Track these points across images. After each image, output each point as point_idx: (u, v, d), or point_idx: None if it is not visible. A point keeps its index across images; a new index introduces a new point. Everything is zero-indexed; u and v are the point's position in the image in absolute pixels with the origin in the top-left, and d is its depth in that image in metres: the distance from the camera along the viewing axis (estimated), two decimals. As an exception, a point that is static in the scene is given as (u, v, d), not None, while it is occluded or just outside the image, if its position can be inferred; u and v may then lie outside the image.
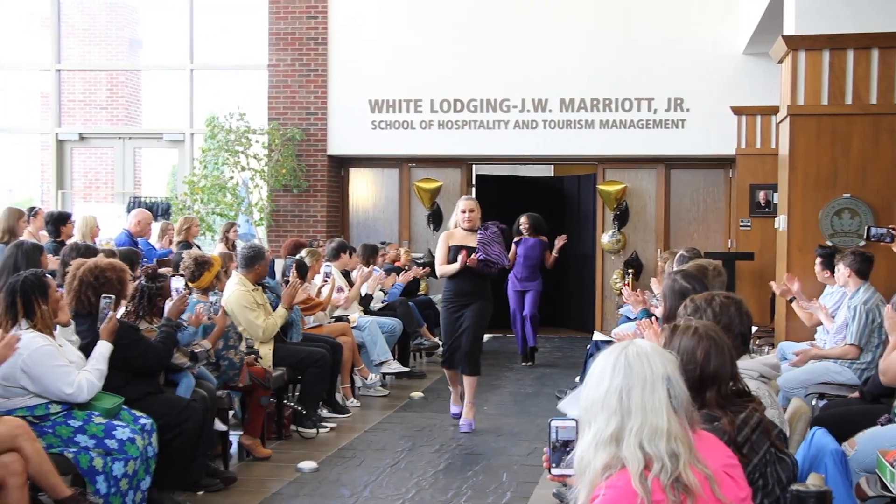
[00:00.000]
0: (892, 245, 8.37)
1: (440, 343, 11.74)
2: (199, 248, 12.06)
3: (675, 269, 6.31)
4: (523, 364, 13.70)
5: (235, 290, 8.97)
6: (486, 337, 12.30)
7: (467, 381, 9.29)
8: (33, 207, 12.45)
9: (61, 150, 17.85)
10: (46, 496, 5.49)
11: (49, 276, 6.33)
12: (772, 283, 9.53)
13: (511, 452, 8.63)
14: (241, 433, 8.25)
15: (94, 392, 5.99)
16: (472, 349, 9.18)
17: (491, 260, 8.91)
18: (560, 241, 13.32)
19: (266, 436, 8.66)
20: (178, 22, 17.67)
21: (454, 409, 9.51)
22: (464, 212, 9.22)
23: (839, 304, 8.48)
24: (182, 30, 17.53)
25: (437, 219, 16.13)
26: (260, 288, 9.22)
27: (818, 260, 9.18)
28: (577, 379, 9.91)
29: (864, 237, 8.78)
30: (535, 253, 13.30)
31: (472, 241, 9.25)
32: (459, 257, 9.00)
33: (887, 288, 8.37)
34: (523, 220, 13.46)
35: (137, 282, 7.25)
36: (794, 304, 8.99)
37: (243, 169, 15.97)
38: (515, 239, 13.34)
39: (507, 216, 17.15)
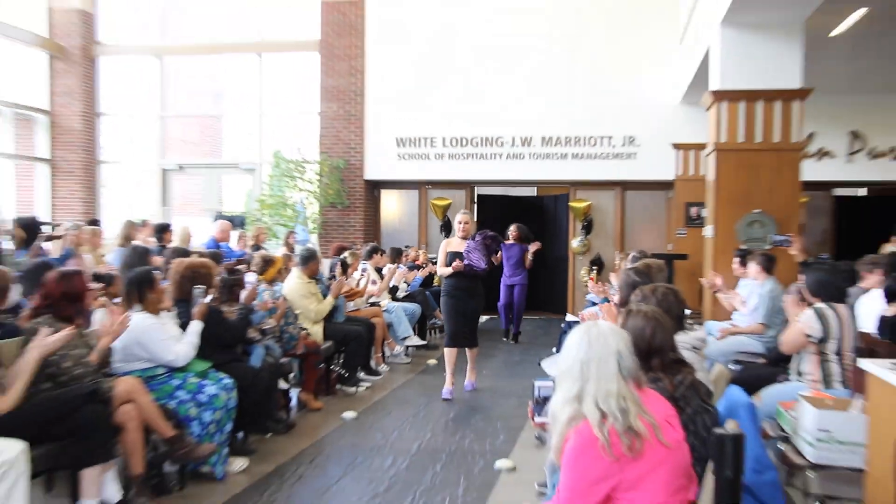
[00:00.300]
0: (789, 249, 8.55)
1: None
2: (266, 250, 12.10)
3: (628, 266, 6.33)
4: (504, 340, 13.62)
5: (295, 282, 9.04)
6: (483, 318, 12.09)
7: (470, 353, 9.38)
8: (144, 220, 12.54)
9: (164, 177, 17.88)
10: (156, 436, 5.52)
11: (155, 272, 6.39)
12: (702, 279, 9.62)
13: (504, 406, 8.66)
14: (299, 390, 8.33)
15: (188, 359, 6.07)
16: (472, 330, 9.23)
17: (472, 265, 8.82)
18: (533, 247, 13.21)
19: (318, 393, 8.73)
20: (251, 79, 17.68)
21: (446, 393, 8.98)
22: (459, 223, 9.17)
23: (751, 293, 8.52)
24: (254, 85, 17.59)
25: (447, 228, 16.07)
26: (314, 281, 9.27)
27: (736, 259, 9.31)
28: (554, 350, 9.90)
29: (769, 243, 8.97)
30: (517, 255, 13.20)
31: (462, 246, 9.16)
32: (454, 263, 8.92)
33: (786, 280, 8.50)
34: (512, 228, 13.42)
35: (220, 276, 7.30)
36: (718, 294, 9.06)
37: (300, 190, 15.99)
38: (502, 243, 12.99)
39: (501, 226, 17.29)
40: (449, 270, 8.97)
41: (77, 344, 5.11)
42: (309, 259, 9.29)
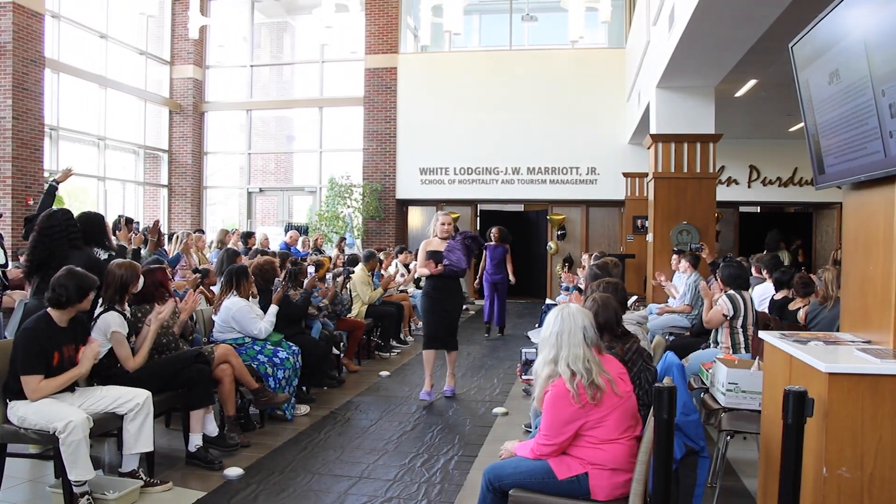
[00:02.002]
0: (702, 253, 8.59)
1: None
2: (323, 252, 12.12)
3: (592, 263, 6.32)
4: (485, 336, 11.14)
5: (359, 273, 9.15)
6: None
7: (449, 357, 7.22)
8: (234, 229, 12.55)
9: (249, 197, 17.95)
10: (244, 388, 5.51)
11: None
12: (653, 281, 9.62)
13: (499, 366, 8.64)
14: (342, 355, 8.15)
15: (268, 332, 6.04)
16: (451, 332, 7.10)
17: (453, 265, 6.87)
18: (511, 269, 11.22)
19: (360, 357, 8.72)
20: (313, 125, 17.74)
21: (424, 395, 6.93)
22: (442, 224, 7.07)
23: (681, 282, 8.51)
24: (315, 130, 17.69)
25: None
26: (371, 274, 9.29)
27: (673, 257, 9.27)
28: (536, 325, 9.87)
29: (691, 248, 8.97)
30: (500, 255, 11.13)
31: (443, 246, 7.12)
32: (429, 265, 6.93)
33: (705, 273, 8.56)
34: (494, 230, 11.31)
35: (287, 269, 7.29)
36: (663, 285, 9.03)
37: (348, 207, 16.01)
38: (487, 244, 11.29)
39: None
40: (426, 271, 6.95)
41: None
42: (370, 258, 9.44)
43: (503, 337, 11.10)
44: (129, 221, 9.49)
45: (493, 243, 11.21)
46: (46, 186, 6.08)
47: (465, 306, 10.55)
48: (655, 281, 9.46)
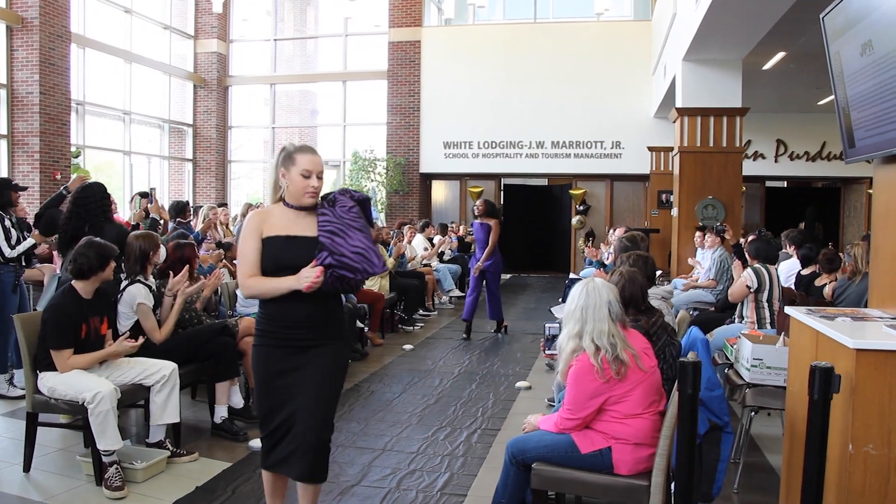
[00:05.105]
0: (726, 234, 8.52)
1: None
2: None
3: (622, 236, 6.26)
4: (463, 338, 8.54)
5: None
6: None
7: (305, 493, 3.06)
8: (259, 203, 12.58)
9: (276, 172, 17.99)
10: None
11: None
12: (689, 260, 9.54)
13: (522, 341, 8.63)
14: (366, 329, 8.11)
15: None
16: (318, 439, 2.96)
17: (351, 266, 2.87)
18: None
19: (384, 331, 8.72)
20: (337, 99, 17.74)
21: None
22: (306, 175, 2.97)
23: (705, 258, 8.47)
24: (339, 104, 17.69)
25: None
26: (383, 245, 9.30)
27: (697, 233, 9.24)
28: (560, 300, 9.75)
29: (715, 228, 8.87)
30: (483, 235, 8.36)
31: (307, 226, 2.97)
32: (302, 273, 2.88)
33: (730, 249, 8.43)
34: (479, 203, 8.63)
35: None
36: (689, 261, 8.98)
37: (372, 181, 16.05)
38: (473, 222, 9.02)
39: (522, 210, 17.33)
40: (277, 288, 2.91)
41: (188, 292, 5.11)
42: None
43: (506, 334, 8.94)
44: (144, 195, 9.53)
45: (477, 220, 8.64)
46: (58, 192, 6.08)
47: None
48: (691, 262, 9.42)
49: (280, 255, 2.96)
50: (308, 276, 2.85)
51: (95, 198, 5.15)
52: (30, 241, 5.88)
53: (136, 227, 6.43)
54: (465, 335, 8.66)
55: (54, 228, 5.69)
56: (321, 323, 3.02)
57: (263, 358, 3.05)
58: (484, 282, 8.66)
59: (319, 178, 3.03)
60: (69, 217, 5.18)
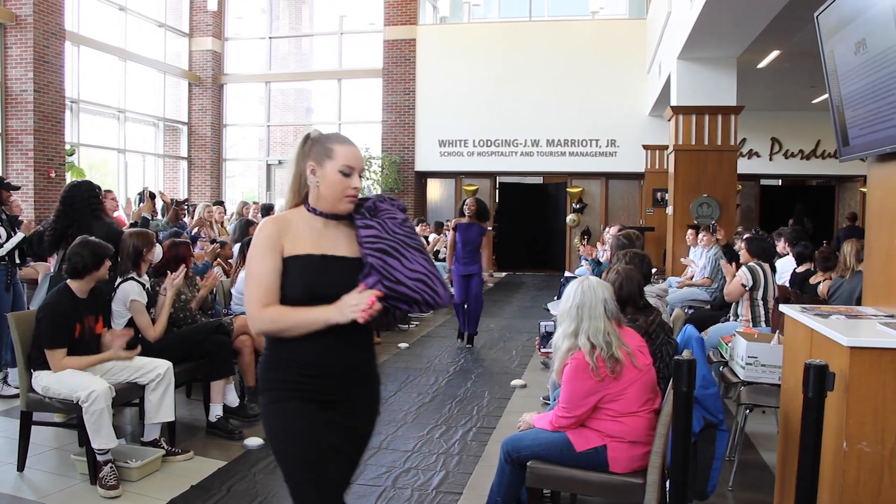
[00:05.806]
0: (717, 235, 8.56)
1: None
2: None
3: (618, 234, 6.24)
4: (458, 341, 8.26)
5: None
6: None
7: None
8: (254, 201, 12.59)
9: (268, 169, 17.99)
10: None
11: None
12: (682, 259, 9.55)
13: (517, 339, 8.62)
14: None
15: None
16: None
17: (409, 297, 2.15)
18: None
19: (380, 330, 8.66)
20: (332, 97, 17.73)
21: None
22: (346, 173, 2.19)
23: (700, 256, 8.49)
24: (334, 102, 17.68)
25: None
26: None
27: (689, 231, 9.25)
28: (555, 297, 9.76)
29: (711, 224, 8.89)
30: (476, 237, 7.83)
31: (342, 241, 2.20)
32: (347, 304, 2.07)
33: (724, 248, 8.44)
34: (469, 203, 7.98)
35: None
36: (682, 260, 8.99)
37: (367, 179, 16.03)
38: (454, 223, 8.34)
39: (518, 208, 17.30)
40: (310, 322, 2.08)
41: (183, 292, 5.10)
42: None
43: (472, 348, 8.06)
44: (151, 196, 9.53)
45: (465, 220, 7.99)
46: (18, 235, 5.82)
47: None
48: (684, 261, 9.43)
49: (317, 280, 2.14)
50: (359, 303, 2.03)
51: (83, 196, 5.16)
52: (18, 237, 5.85)
53: (134, 224, 6.43)
54: (468, 345, 8.10)
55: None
56: (359, 371, 2.27)
57: (298, 419, 2.14)
58: (467, 290, 7.96)
59: (361, 177, 2.28)
60: (57, 216, 5.20)
